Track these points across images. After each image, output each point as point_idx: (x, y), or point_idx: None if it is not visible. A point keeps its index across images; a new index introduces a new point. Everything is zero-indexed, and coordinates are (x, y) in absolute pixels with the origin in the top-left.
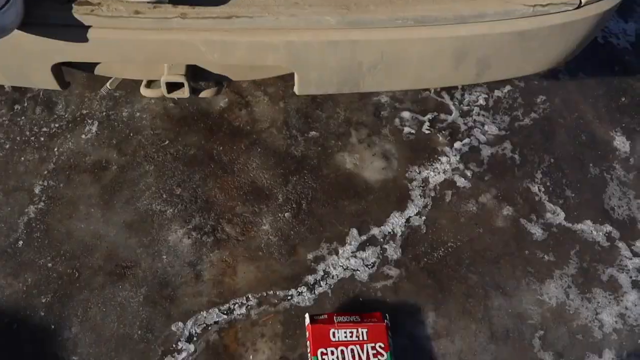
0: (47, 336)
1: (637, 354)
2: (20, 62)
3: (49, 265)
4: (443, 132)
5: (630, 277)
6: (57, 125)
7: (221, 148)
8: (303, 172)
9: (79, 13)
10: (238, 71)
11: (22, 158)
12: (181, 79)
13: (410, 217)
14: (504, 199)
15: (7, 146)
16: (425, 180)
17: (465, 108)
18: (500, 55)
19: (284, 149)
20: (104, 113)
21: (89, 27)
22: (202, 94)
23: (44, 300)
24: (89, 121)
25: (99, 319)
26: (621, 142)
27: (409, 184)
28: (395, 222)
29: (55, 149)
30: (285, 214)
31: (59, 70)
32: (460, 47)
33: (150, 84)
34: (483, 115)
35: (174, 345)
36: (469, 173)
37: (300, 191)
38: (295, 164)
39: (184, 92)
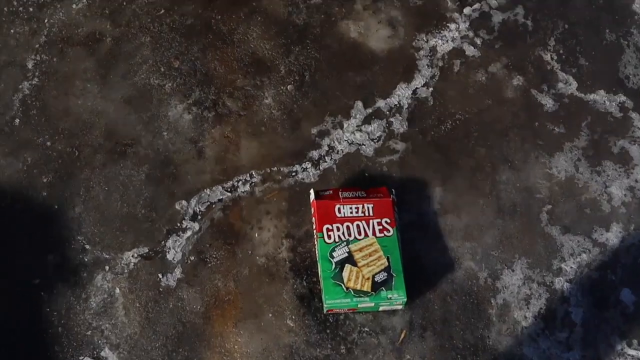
0: (51, 216)
1: None
2: None
3: (48, 144)
4: None
5: None
6: None
7: (219, 17)
8: (306, 42)
9: None
10: None
11: (12, 31)
12: None
13: (417, 88)
14: (515, 68)
15: None
16: (433, 49)
17: None
18: None
19: (285, 17)
20: None
21: None
22: None
23: (45, 180)
24: None
25: (102, 198)
26: None
27: (416, 54)
28: (402, 94)
29: (46, 20)
30: (288, 87)
31: None
32: None
33: None
34: None
35: (178, 224)
36: (478, 41)
37: (303, 62)
38: (297, 33)
39: None
